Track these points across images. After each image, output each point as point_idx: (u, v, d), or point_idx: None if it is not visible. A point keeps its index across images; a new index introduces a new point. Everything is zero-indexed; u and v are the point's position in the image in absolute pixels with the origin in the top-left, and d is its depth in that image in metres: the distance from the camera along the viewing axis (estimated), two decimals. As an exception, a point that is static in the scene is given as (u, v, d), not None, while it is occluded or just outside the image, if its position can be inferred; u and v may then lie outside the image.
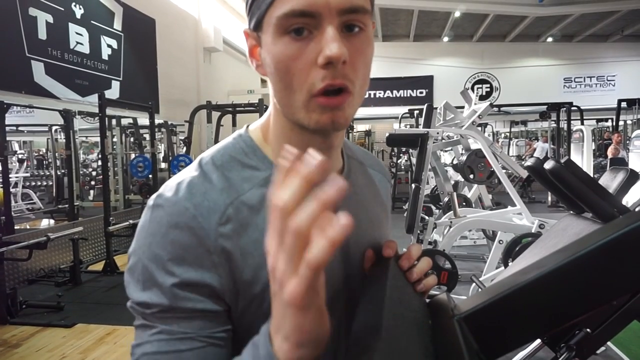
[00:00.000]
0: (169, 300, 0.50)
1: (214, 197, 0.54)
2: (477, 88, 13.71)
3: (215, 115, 7.16)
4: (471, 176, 4.40)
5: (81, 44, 5.32)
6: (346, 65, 0.51)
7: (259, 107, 6.55)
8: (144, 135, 7.43)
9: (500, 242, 3.53)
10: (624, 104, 9.32)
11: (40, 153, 9.53)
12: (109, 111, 5.29)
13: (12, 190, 6.13)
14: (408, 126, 9.55)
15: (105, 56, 5.78)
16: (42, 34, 4.71)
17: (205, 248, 0.52)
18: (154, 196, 0.55)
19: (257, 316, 0.56)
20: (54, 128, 6.92)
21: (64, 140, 5.66)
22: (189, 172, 0.58)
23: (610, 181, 2.46)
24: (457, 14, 11.12)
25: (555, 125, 9.58)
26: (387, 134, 3.87)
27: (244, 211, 0.55)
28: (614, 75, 13.70)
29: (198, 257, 0.52)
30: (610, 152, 8.41)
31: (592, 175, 3.92)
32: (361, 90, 0.55)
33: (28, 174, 8.14)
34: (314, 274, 0.35)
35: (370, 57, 0.55)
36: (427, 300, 0.68)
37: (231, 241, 0.54)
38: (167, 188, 0.55)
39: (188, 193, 0.54)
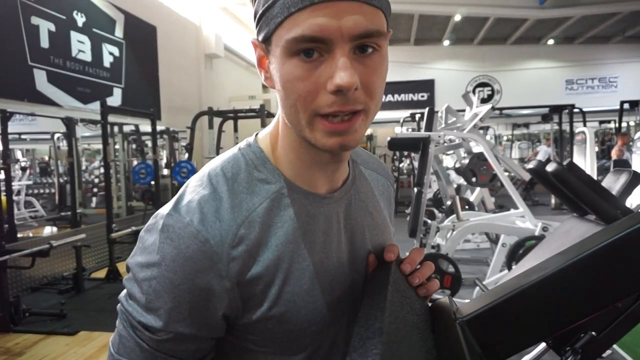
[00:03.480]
0: (174, 325, 0.52)
1: (225, 217, 0.54)
2: (479, 91, 13.70)
3: (217, 121, 7.17)
4: (473, 179, 4.39)
5: (83, 51, 5.34)
6: (358, 90, 0.49)
7: (261, 113, 6.56)
8: (146, 142, 7.45)
9: (504, 245, 3.52)
10: (626, 106, 9.29)
11: (44, 160, 9.55)
12: (111, 118, 5.30)
13: (15, 198, 6.15)
14: (410, 130, 9.55)
15: (107, 64, 5.80)
16: (45, 43, 4.74)
17: (218, 273, 0.52)
18: (163, 214, 0.54)
19: (263, 332, 0.58)
20: (56, 136, 6.95)
21: (67, 148, 5.67)
22: (198, 188, 0.56)
23: (613, 183, 2.45)
24: (458, 17, 11.13)
25: (557, 127, 9.57)
26: (388, 138, 3.86)
27: (256, 228, 0.55)
28: (616, 77, 13.68)
29: (210, 282, 0.52)
30: (614, 154, 8.37)
31: (596, 177, 3.91)
32: (375, 108, 0.53)
33: (31, 182, 8.17)
34: None
35: (385, 74, 0.53)
36: (430, 304, 0.68)
37: (243, 263, 0.54)
38: (179, 206, 0.54)
39: (199, 213, 0.53)
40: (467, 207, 4.96)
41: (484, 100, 13.27)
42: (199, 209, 0.53)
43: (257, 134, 0.64)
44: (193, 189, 0.56)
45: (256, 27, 0.54)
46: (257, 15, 0.53)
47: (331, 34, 0.47)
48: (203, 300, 0.52)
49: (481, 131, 4.79)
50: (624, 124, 10.01)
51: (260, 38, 0.54)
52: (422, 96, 13.89)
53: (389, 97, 13.90)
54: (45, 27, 4.75)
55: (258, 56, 0.57)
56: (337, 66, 0.48)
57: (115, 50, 6.01)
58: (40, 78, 4.68)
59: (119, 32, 6.06)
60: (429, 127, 4.42)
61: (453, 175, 5.96)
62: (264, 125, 6.35)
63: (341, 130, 0.51)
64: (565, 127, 9.14)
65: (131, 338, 0.54)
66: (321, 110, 0.50)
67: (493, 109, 4.36)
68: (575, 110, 8.85)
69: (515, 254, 3.31)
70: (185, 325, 0.52)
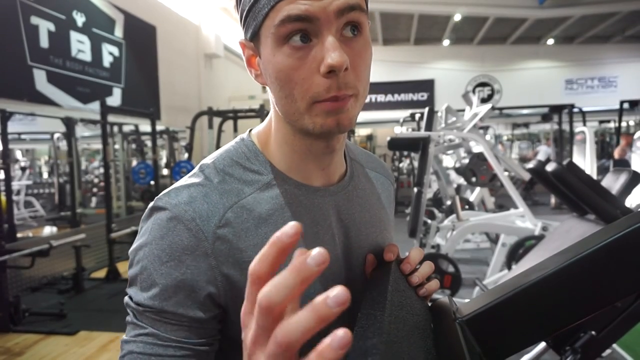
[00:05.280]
0: (161, 303, 0.52)
1: (213, 200, 0.56)
2: (479, 91, 13.69)
3: (217, 121, 7.16)
4: (473, 179, 4.39)
5: (83, 51, 5.34)
6: (348, 71, 0.51)
7: (260, 113, 6.55)
8: (146, 142, 7.45)
9: (504, 245, 3.52)
10: (626, 105, 9.29)
11: (51, 160, 9.56)
12: (111, 118, 5.30)
13: (14, 197, 6.15)
14: (410, 130, 9.55)
15: (106, 63, 5.80)
16: (44, 42, 4.74)
17: (203, 250, 0.53)
18: (156, 198, 0.57)
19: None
20: (55, 135, 6.95)
21: (66, 148, 5.67)
22: (190, 177, 0.59)
23: (612, 183, 2.45)
24: (457, 17, 11.13)
25: (557, 127, 9.58)
26: (388, 138, 3.87)
27: (244, 215, 0.56)
28: (615, 77, 13.67)
29: (196, 259, 0.53)
30: (616, 154, 8.36)
31: (596, 177, 3.91)
32: (364, 92, 0.55)
33: (30, 182, 8.17)
34: (283, 354, 0.28)
35: (370, 59, 0.56)
36: (430, 304, 0.68)
37: (229, 244, 0.55)
38: (169, 191, 0.57)
39: (188, 196, 0.55)
40: (467, 207, 4.96)
41: (483, 100, 13.26)
42: (188, 193, 0.56)
43: (250, 130, 0.66)
44: (186, 179, 0.59)
45: (243, 26, 0.56)
46: (244, 14, 0.54)
47: (316, 13, 0.49)
48: (189, 278, 0.53)
49: (481, 131, 4.79)
50: (623, 124, 10.00)
51: (248, 36, 0.56)
52: (422, 96, 13.88)
53: (389, 97, 13.90)
54: (44, 27, 4.75)
55: (247, 56, 0.58)
56: (327, 48, 0.49)
57: (115, 50, 6.01)
58: (40, 78, 4.68)
59: (118, 32, 6.06)
60: (428, 127, 4.42)
61: (453, 175, 5.96)
62: (263, 125, 6.32)
63: (336, 108, 0.52)
64: (565, 126, 9.15)
65: (131, 323, 0.54)
66: (320, 96, 0.51)
67: (493, 108, 4.37)
68: (575, 110, 8.85)
69: (515, 254, 3.31)
70: (172, 304, 0.52)
